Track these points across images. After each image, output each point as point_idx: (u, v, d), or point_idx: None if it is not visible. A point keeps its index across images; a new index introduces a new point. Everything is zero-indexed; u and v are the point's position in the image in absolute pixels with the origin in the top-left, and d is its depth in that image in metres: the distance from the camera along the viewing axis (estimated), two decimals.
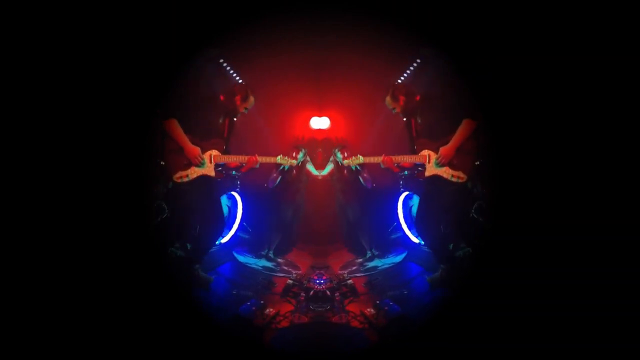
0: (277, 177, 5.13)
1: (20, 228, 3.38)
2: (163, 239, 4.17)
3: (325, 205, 5.23)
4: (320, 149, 5.33)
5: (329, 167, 5.26)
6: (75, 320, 3.31)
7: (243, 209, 5.23)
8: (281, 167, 4.72)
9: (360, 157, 4.41)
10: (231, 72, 5.18)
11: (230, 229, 5.14)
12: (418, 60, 4.97)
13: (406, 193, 5.29)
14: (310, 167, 5.28)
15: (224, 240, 5.05)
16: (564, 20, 3.77)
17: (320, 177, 5.22)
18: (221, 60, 5.04)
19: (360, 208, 5.26)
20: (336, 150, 4.98)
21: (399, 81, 5.21)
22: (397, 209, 5.32)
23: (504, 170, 3.87)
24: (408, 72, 5.14)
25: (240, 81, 5.24)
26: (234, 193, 5.15)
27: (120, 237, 3.59)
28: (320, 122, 5.24)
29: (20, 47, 3.45)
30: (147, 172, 4.00)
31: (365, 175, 5.14)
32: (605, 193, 3.72)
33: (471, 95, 4.08)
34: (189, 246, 4.22)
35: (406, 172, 5.01)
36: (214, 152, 4.27)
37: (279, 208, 5.17)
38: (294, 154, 4.53)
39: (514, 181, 3.79)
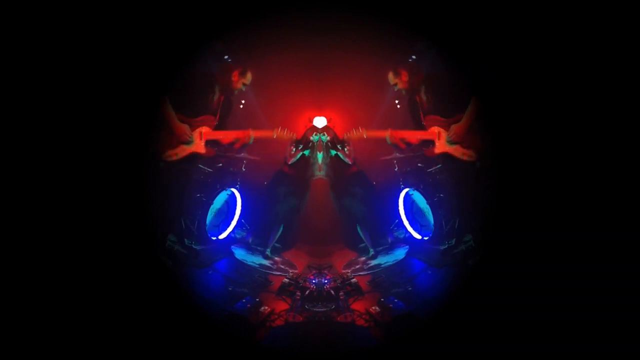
0: (297, 154, 5.03)
1: (16, 228, 3.44)
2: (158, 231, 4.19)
3: (325, 205, 5.20)
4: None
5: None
6: (70, 315, 3.36)
7: (242, 205, 5.22)
8: (300, 147, 4.73)
9: (365, 132, 4.41)
10: None
11: (228, 225, 5.13)
12: (413, 57, 4.92)
13: (407, 190, 5.26)
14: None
15: (222, 236, 5.05)
16: (564, 20, 3.76)
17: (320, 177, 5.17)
18: (226, 57, 5.02)
19: (361, 206, 5.23)
20: (321, 135, 4.92)
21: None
22: (398, 206, 5.30)
23: (504, 170, 3.87)
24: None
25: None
26: (233, 190, 5.13)
27: (117, 233, 3.63)
28: (321, 121, 5.21)
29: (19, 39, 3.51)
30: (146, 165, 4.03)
31: (346, 151, 5.03)
32: (606, 193, 3.71)
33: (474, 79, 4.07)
34: (186, 242, 4.23)
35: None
36: (204, 129, 4.24)
37: (278, 206, 5.14)
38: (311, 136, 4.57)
39: (514, 181, 3.79)
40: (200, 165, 4.60)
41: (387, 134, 4.38)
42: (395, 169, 5.24)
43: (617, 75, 3.72)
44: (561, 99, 3.81)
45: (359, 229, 5.15)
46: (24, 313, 3.32)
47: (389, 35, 4.66)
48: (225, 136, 4.42)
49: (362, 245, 5.17)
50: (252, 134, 4.39)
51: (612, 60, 3.72)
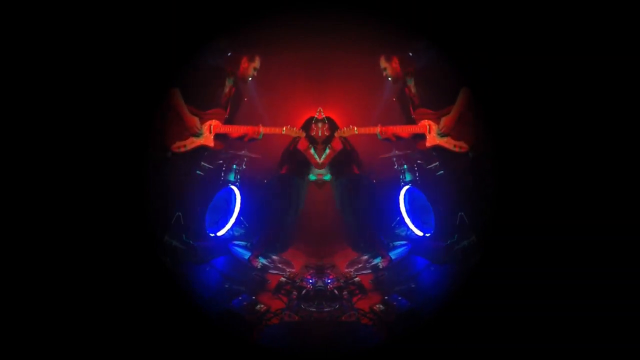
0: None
1: (13, 219, 3.46)
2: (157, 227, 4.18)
3: (326, 205, 5.20)
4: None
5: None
6: (67, 314, 3.38)
7: (241, 203, 5.19)
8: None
9: (355, 128, 4.39)
10: None
11: (227, 222, 5.11)
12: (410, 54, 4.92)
13: (407, 187, 5.25)
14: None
15: (220, 233, 5.03)
16: (564, 20, 3.76)
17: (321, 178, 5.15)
18: (229, 54, 5.04)
19: (361, 205, 5.22)
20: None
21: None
22: (399, 203, 5.29)
23: (504, 169, 3.87)
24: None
25: None
26: (232, 187, 5.15)
27: (114, 230, 3.65)
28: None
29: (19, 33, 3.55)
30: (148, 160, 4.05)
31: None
32: (606, 193, 3.70)
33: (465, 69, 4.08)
34: (184, 237, 4.24)
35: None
36: (214, 122, 4.26)
37: (277, 204, 5.14)
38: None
39: (513, 181, 3.78)
40: (202, 163, 4.62)
41: (377, 130, 4.39)
42: (395, 167, 5.25)
43: (617, 76, 3.71)
44: (561, 98, 3.80)
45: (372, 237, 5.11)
46: (20, 310, 3.34)
47: (389, 35, 4.68)
48: (235, 130, 4.44)
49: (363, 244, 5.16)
50: (262, 130, 4.41)
51: (612, 60, 3.71)
